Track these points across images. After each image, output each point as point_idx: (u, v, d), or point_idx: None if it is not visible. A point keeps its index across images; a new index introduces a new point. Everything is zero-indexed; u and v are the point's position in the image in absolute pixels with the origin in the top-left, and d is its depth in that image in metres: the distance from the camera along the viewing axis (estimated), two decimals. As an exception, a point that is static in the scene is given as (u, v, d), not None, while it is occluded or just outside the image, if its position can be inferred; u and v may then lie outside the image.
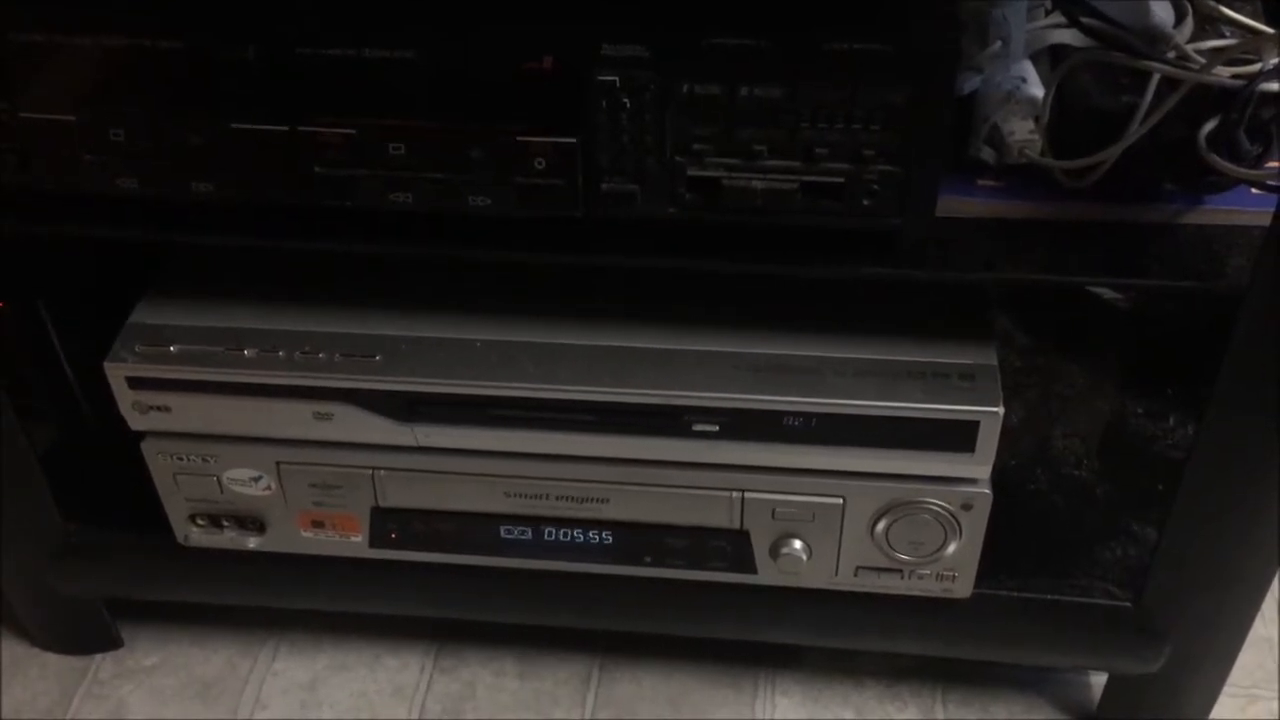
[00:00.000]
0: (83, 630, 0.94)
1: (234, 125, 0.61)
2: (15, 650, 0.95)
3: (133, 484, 0.79)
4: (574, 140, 0.60)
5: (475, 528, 0.78)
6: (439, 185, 0.62)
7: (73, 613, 0.93)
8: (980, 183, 0.66)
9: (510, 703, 0.91)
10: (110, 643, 0.95)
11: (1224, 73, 0.59)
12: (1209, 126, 0.60)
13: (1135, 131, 0.61)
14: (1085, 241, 0.64)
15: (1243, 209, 0.64)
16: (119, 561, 0.87)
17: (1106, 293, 0.98)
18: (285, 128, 0.61)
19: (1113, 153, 0.62)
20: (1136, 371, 0.95)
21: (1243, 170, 0.60)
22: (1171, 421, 0.90)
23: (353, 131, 0.61)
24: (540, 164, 0.61)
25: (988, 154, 0.66)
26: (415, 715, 0.90)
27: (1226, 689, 0.85)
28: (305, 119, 0.61)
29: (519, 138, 0.60)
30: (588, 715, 0.90)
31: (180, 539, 0.81)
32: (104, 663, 0.94)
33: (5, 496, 0.83)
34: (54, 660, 0.94)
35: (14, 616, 0.94)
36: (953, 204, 0.64)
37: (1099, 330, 0.97)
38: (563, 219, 0.62)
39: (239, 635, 0.95)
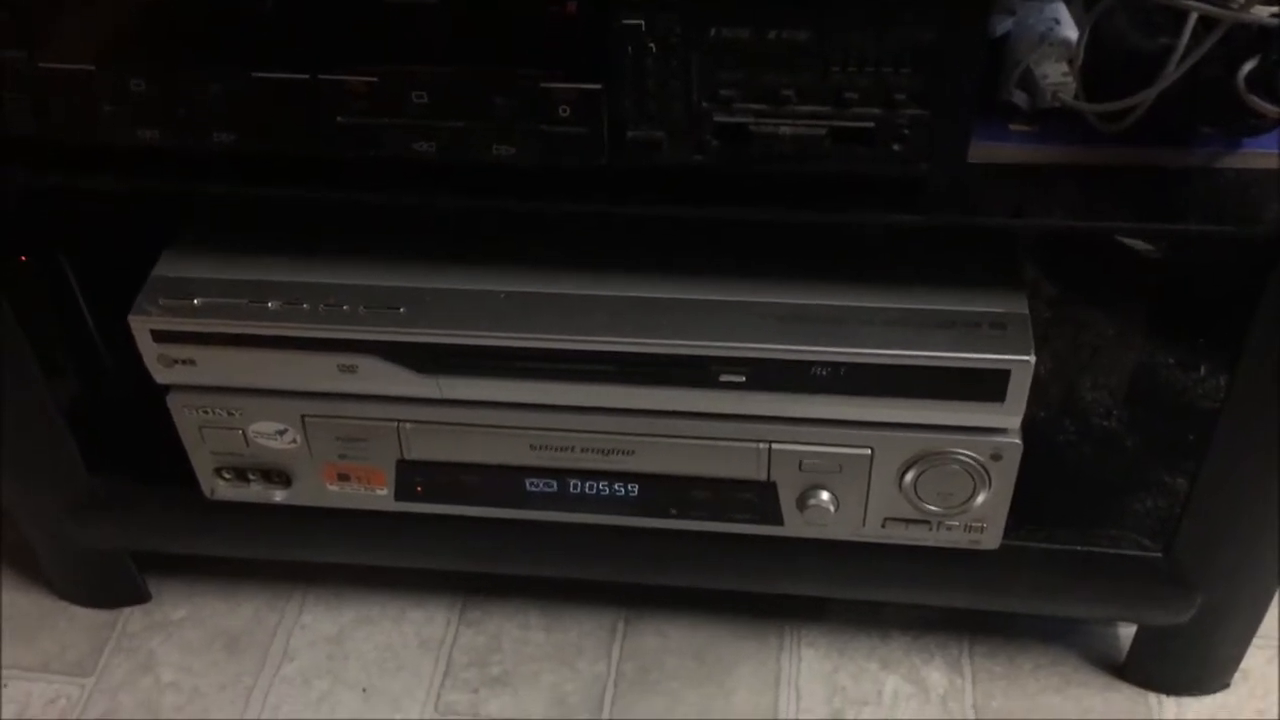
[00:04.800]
0: (110, 584, 0.94)
1: (255, 75, 0.61)
2: (44, 604, 0.95)
3: (157, 438, 0.79)
4: (599, 87, 0.59)
5: (500, 480, 0.78)
6: (462, 134, 0.61)
7: (100, 567, 0.93)
8: (1012, 127, 0.65)
9: (536, 655, 0.91)
10: (138, 596, 0.95)
11: (1263, 12, 0.58)
12: (1248, 67, 0.58)
13: (1171, 73, 0.59)
14: (1119, 187, 0.63)
15: (1282, 152, 0.63)
16: (144, 515, 0.87)
17: (1137, 243, 0.96)
18: (306, 76, 0.60)
19: (1148, 95, 0.60)
20: (1167, 322, 0.94)
21: (1282, 112, 0.58)
22: (1202, 371, 0.89)
23: (375, 80, 0.60)
24: (565, 111, 0.60)
25: (1020, 98, 0.65)
26: (442, 667, 0.90)
27: (1256, 640, 0.84)
28: (326, 68, 0.60)
29: (543, 85, 0.59)
30: (613, 667, 0.90)
31: (206, 492, 0.82)
32: (132, 616, 0.95)
33: (30, 451, 0.83)
34: (82, 614, 0.95)
35: (42, 570, 0.95)
36: (984, 149, 0.63)
37: (1129, 280, 0.96)
38: (587, 168, 0.61)
39: (266, 588, 0.96)
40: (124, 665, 0.91)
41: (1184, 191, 0.63)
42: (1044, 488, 0.79)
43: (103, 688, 0.90)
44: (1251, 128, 0.62)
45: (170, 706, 0.89)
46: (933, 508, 0.75)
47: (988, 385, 0.68)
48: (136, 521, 0.88)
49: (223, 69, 0.61)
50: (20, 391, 0.79)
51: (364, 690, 0.89)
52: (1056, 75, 0.64)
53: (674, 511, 0.78)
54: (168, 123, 0.63)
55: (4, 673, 0.91)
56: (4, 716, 0.88)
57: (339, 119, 0.61)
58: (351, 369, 0.72)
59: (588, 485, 0.78)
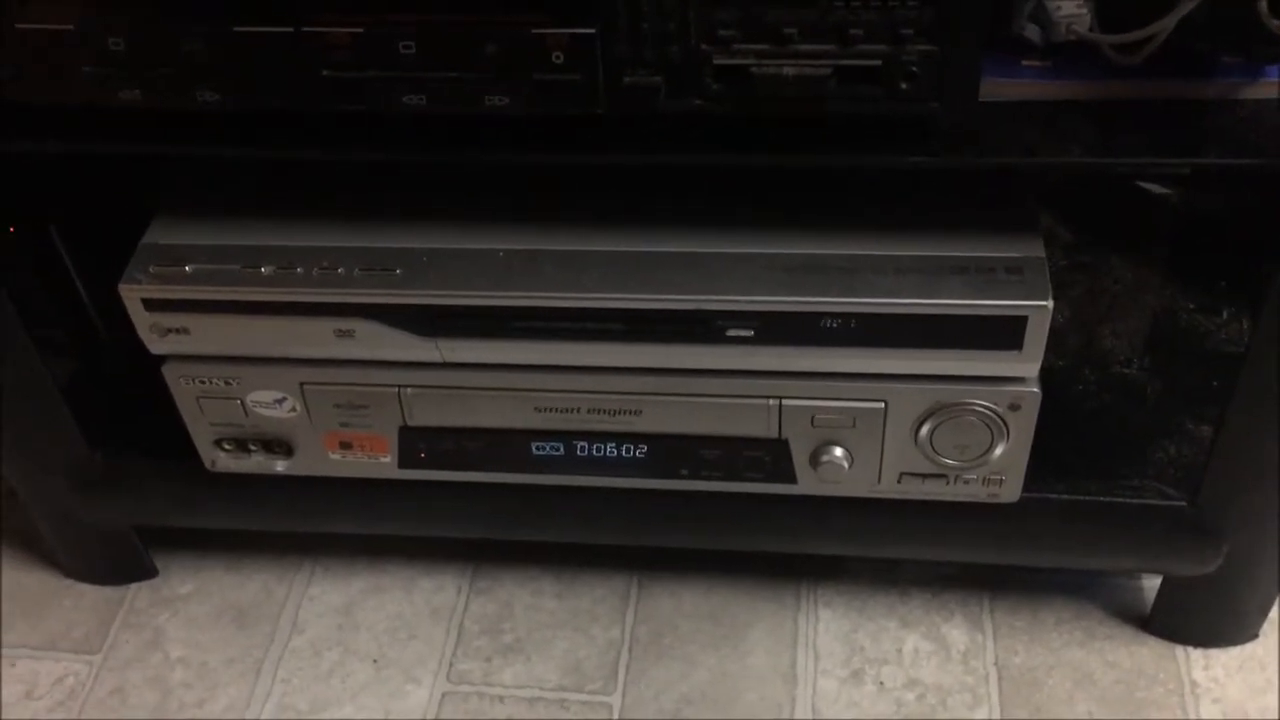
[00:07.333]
0: (116, 560, 0.93)
1: (236, 29, 0.59)
2: (50, 582, 0.94)
3: (158, 410, 0.78)
4: (593, 30, 0.57)
5: (506, 444, 0.76)
6: (453, 85, 0.59)
7: (105, 543, 0.92)
8: (1025, 63, 0.62)
9: (549, 621, 0.89)
10: (144, 572, 0.94)
11: (1286, -69, 0.55)
12: (1270, -10, 0.56)
13: (1190, 0, 0.57)
14: (1137, 121, 0.61)
15: (1307, 80, 0.60)
16: (147, 489, 0.86)
17: (1154, 187, 0.94)
18: (290, 29, 0.58)
19: (1166, 24, 0.58)
20: (1186, 266, 0.91)
21: (1308, 37, 0.56)
22: (1224, 315, 0.87)
23: (360, 30, 0.58)
24: (558, 58, 0.58)
25: (1033, 32, 0.63)
26: (454, 636, 0.89)
27: (1286, 589, 0.83)
28: (310, 19, 0.58)
29: (534, 30, 0.57)
30: (627, 632, 0.89)
31: (207, 464, 0.80)
32: (139, 592, 0.94)
33: (29, 428, 0.82)
34: (89, 591, 0.94)
35: (48, 548, 0.94)
36: (996, 86, 0.61)
37: (1147, 225, 0.94)
38: (584, 117, 0.59)
39: (273, 561, 0.95)
40: (132, 642, 0.90)
41: (1204, 124, 0.61)
42: (1064, 438, 0.78)
43: (111, 665, 0.89)
44: (1274, 55, 0.59)
45: (179, 682, 0.88)
46: (950, 461, 0.73)
47: (1004, 333, 0.66)
48: (139, 496, 0.87)
49: (203, 23, 0.59)
50: (16, 368, 0.78)
51: (375, 661, 0.88)
52: (1070, 7, 0.62)
53: (684, 472, 0.77)
54: (149, 82, 0.61)
55: (11, 652, 0.90)
56: (12, 696, 0.87)
57: (324, 72, 0.59)
58: (349, 334, 0.71)
59: (595, 447, 0.76)
